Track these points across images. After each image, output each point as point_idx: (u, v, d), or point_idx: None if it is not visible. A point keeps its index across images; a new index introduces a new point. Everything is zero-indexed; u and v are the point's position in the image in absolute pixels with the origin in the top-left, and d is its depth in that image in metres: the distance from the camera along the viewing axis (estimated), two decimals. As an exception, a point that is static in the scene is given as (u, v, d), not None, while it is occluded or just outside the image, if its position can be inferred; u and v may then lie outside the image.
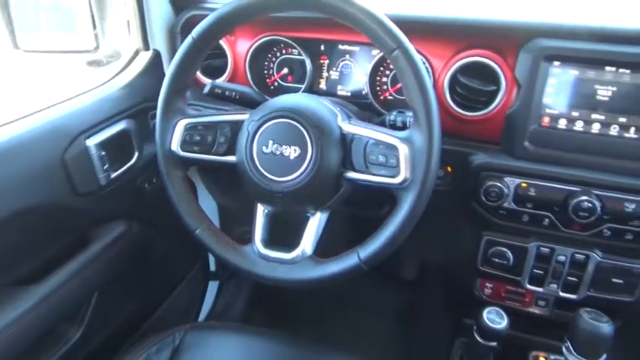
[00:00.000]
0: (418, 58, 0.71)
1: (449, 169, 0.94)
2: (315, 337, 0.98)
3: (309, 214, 0.80)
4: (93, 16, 1.07)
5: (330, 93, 1.06)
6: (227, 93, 0.89)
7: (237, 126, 0.81)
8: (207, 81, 0.97)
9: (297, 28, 1.02)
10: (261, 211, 0.83)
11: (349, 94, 1.05)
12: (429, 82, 0.71)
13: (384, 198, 0.95)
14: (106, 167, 0.93)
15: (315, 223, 0.80)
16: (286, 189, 0.75)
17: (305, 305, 1.60)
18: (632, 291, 0.93)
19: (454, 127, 0.92)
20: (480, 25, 0.88)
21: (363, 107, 1.01)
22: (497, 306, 0.97)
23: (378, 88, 1.01)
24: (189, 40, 0.79)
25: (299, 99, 0.80)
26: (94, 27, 1.08)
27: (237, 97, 0.90)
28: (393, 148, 0.73)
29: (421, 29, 0.91)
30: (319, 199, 0.79)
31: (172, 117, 0.83)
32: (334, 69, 1.05)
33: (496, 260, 0.98)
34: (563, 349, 0.90)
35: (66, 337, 0.97)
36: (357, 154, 0.76)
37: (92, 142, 0.90)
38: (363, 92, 1.02)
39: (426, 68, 0.92)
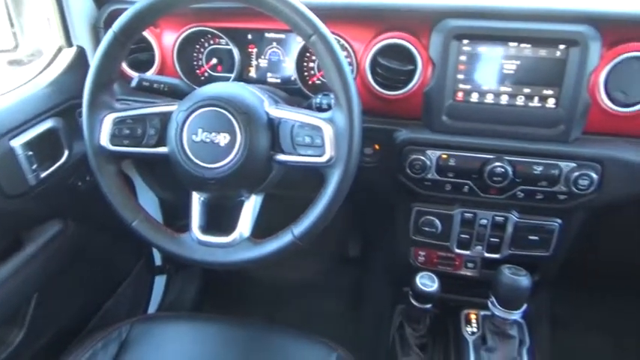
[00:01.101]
0: (335, 42, 0.75)
1: (376, 146, 1.00)
2: (267, 320, 1.01)
3: (243, 198, 0.83)
4: (9, 14, 1.04)
5: (261, 80, 1.08)
6: (155, 85, 0.90)
7: (166, 117, 0.82)
8: (135, 75, 0.97)
9: (223, 18, 1.03)
10: (196, 199, 0.85)
11: (279, 80, 1.08)
12: (346, 65, 0.75)
13: (318, 178, 0.99)
14: (34, 167, 0.91)
15: (250, 206, 0.83)
16: (219, 175, 0.78)
17: (256, 290, 1.64)
18: (547, 246, 1.03)
19: (378, 106, 0.98)
20: (393, 8, 0.93)
21: (294, 92, 1.04)
22: (431, 272, 1.04)
23: (306, 73, 1.05)
24: (110, 34, 0.80)
25: (225, 87, 0.82)
26: (12, 25, 1.05)
27: (166, 89, 0.91)
28: (318, 129, 0.77)
29: (340, 15, 0.96)
30: (252, 182, 0.82)
31: (99, 112, 0.83)
32: (263, 57, 1.07)
33: (426, 229, 1.05)
34: (489, 304, 0.98)
35: (7, 341, 0.96)
36: (284, 137, 0.79)
37: (17, 142, 0.88)
38: (292, 78, 1.05)
39: (348, 51, 0.97)
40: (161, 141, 0.83)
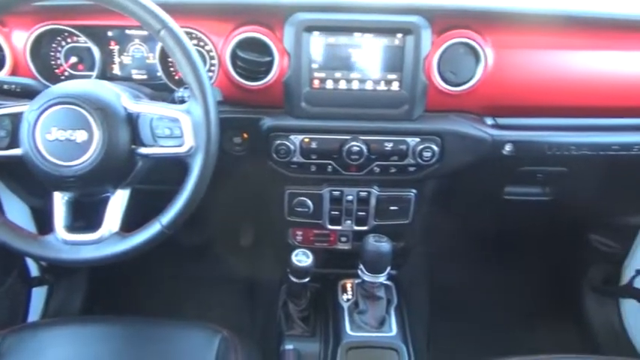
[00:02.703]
0: (184, 36, 0.79)
1: (245, 135, 1.04)
2: (164, 316, 1.02)
3: (109, 194, 0.84)
4: None
5: (126, 77, 1.08)
6: (5, 86, 0.88)
7: (17, 118, 0.81)
8: (-17, 77, 0.93)
9: (79, 15, 1.01)
10: (59, 199, 0.84)
11: (146, 76, 1.08)
12: (196, 58, 0.79)
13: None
14: None
15: (117, 202, 0.85)
16: (78, 172, 0.78)
17: (152, 288, 1.62)
18: (406, 214, 1.15)
19: (243, 96, 1.02)
20: (246, 4, 0.99)
21: (161, 88, 1.05)
22: (309, 249, 1.11)
23: (172, 69, 1.06)
24: None
25: (78, 84, 0.82)
26: None
27: (18, 89, 0.89)
28: (176, 120, 0.80)
29: (197, 10, 0.99)
30: (115, 177, 0.83)
31: None
32: (126, 54, 1.07)
33: (299, 209, 1.12)
34: (359, 272, 1.08)
35: None
36: (144, 130, 0.82)
37: None
38: (158, 74, 1.06)
39: (209, 45, 1.00)
40: (14, 143, 0.81)
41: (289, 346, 1.12)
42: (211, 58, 1.02)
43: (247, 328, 1.48)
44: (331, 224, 1.15)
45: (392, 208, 1.13)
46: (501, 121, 1.07)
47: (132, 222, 0.86)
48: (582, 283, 1.64)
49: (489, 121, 1.06)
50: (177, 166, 0.84)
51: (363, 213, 1.14)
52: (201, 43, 1.01)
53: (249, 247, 1.68)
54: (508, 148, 1.05)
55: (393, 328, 1.09)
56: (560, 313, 1.66)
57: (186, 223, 0.85)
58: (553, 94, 1.04)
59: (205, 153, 0.80)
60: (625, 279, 1.51)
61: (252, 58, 0.98)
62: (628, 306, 1.53)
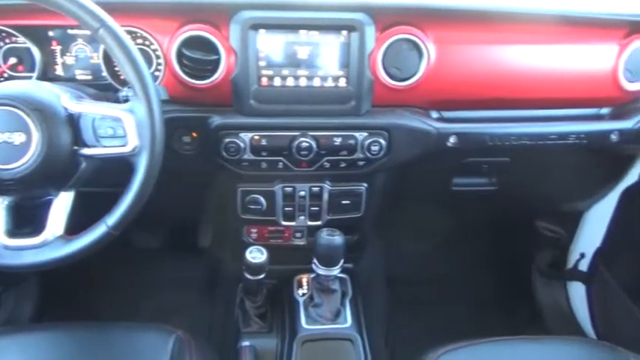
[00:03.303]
0: (124, 34, 0.78)
1: (194, 134, 1.04)
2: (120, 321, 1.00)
3: (52, 197, 0.83)
4: None
5: (70, 78, 1.05)
6: (-62, 90, 0.84)
7: None
8: None
9: (16, 15, 0.99)
10: (-1, 203, 0.82)
11: (90, 77, 1.06)
12: (137, 56, 0.78)
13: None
14: None
15: (61, 204, 0.83)
16: (17, 175, 0.77)
17: (108, 292, 1.59)
18: (358, 208, 1.17)
19: (190, 95, 1.02)
20: (191, 2, 0.98)
21: (106, 88, 1.04)
22: (264, 246, 1.12)
23: (116, 68, 1.04)
24: None
25: (14, 85, 0.80)
26: None
27: None
28: (118, 119, 0.80)
29: (140, 8, 0.98)
30: (58, 179, 0.82)
31: None
32: (68, 54, 1.04)
33: (252, 207, 1.13)
34: (313, 266, 1.10)
35: None
36: (86, 131, 0.80)
37: None
38: (103, 74, 1.04)
39: (154, 44, 0.99)
40: None
41: (245, 343, 1.12)
42: (157, 57, 1.01)
43: (207, 328, 1.47)
44: (285, 220, 1.16)
45: (344, 202, 1.15)
46: (446, 114, 1.11)
47: (81, 225, 0.85)
48: (532, 268, 1.71)
49: (434, 114, 1.10)
50: (125, 167, 0.83)
51: (316, 208, 1.15)
52: (147, 42, 1.00)
53: (207, 247, 1.67)
54: (452, 140, 1.08)
55: (348, 319, 1.11)
56: (513, 299, 1.73)
57: (142, 226, 0.84)
58: (493, 87, 1.08)
59: (150, 152, 0.79)
60: (571, 263, 1.59)
61: (198, 57, 0.98)
62: (574, 288, 1.61)
